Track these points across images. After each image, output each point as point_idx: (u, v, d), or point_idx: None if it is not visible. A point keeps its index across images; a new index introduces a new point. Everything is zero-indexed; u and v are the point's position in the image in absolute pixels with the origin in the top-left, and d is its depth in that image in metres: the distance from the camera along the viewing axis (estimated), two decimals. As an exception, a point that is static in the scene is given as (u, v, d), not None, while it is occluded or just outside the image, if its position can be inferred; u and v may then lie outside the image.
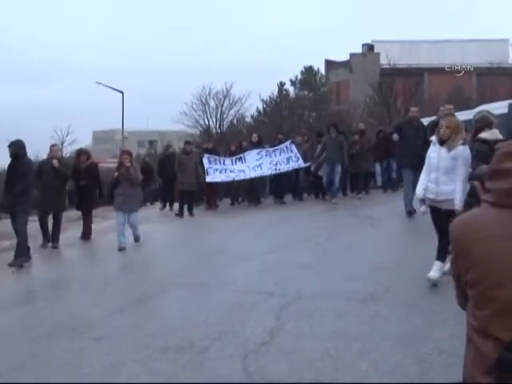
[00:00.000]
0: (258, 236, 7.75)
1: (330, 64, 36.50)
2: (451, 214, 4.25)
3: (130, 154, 7.99)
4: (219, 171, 11.09)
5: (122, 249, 7.38)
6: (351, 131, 12.19)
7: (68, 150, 36.90)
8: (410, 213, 7.57)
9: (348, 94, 32.60)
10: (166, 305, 4.84)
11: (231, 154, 11.79)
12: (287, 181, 11.54)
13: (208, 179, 10.95)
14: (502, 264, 1.23)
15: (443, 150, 4.56)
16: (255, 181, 11.41)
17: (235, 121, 33.78)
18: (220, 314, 4.37)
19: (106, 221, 10.68)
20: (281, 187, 11.49)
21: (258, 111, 33.15)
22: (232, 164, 11.27)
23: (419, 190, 4.73)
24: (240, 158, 11.32)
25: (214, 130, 33.08)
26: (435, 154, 4.63)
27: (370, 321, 4.00)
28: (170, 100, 71.44)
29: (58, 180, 8.00)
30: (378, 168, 12.02)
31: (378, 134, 12.17)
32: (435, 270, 4.59)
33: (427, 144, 7.10)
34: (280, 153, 11.31)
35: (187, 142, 11.62)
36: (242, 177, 11.13)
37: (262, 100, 32.65)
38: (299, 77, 33.26)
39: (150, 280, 5.71)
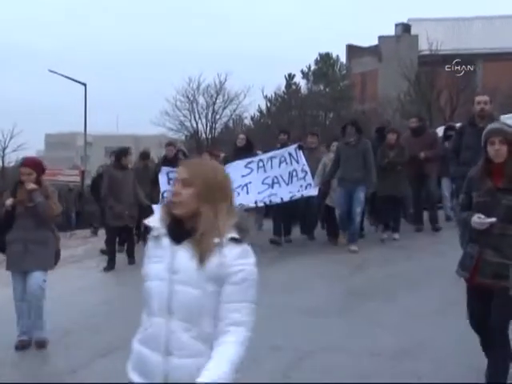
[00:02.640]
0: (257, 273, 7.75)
1: (352, 50, 36.94)
2: None
3: (37, 166, 5.61)
4: None
5: (20, 346, 5.39)
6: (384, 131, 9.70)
7: (12, 159, 36.94)
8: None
9: (376, 89, 32.87)
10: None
11: None
12: (295, 206, 9.22)
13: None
14: None
15: (183, 257, 2.21)
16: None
17: (231, 123, 34.07)
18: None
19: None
20: (285, 216, 9.42)
21: (260, 111, 33.52)
22: None
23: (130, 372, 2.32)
24: None
25: (204, 135, 33.35)
26: (161, 265, 2.25)
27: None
28: (146, 96, 72.29)
29: None
30: (445, 188, 9.79)
31: (446, 132, 9.87)
32: None
33: None
34: (279, 163, 9.25)
35: (122, 152, 9.41)
36: None
37: (266, 97, 33.13)
38: (313, 67, 33.67)
39: (123, 328, 5.71)
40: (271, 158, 9.36)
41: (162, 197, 9.20)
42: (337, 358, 4.47)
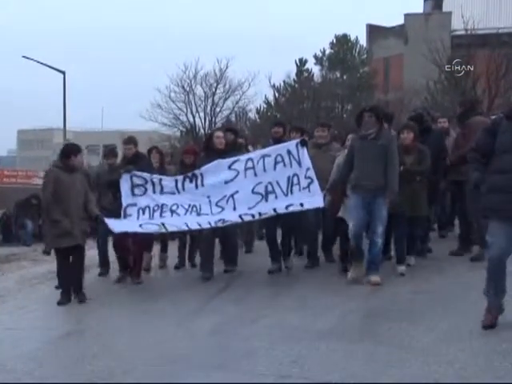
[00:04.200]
0: (262, 290, 7.77)
1: (374, 31, 36.94)
2: None
3: None
4: (150, 211, 8.21)
5: None
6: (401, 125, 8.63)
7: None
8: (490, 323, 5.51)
9: (401, 77, 32.86)
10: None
11: (185, 170, 8.75)
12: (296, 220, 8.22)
13: (116, 228, 8.05)
14: None
15: None
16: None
17: (233, 117, 34.10)
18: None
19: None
20: (284, 231, 8.60)
21: (267, 102, 33.51)
22: (177, 190, 8.29)
23: None
24: (192, 178, 8.28)
25: (203, 131, 33.37)
26: None
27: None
28: (135, 86, 72.26)
29: None
30: None
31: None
32: None
33: None
34: (275, 164, 8.07)
35: (71, 149, 8.19)
36: (192, 226, 8.09)
37: (273, 86, 33.14)
38: (328, 51, 33.71)
39: (98, 364, 5.73)
40: (263, 157, 8.09)
41: (125, 214, 8.15)
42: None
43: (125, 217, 8.16)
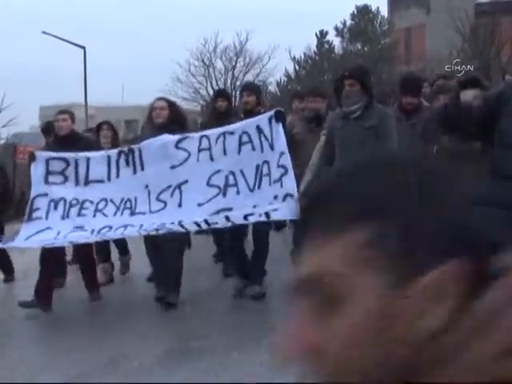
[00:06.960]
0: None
1: (395, 1, 36.39)
2: None
3: None
4: (65, 206, 6.22)
5: None
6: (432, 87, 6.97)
7: (3, 135, 37.46)
8: None
9: (423, 47, 32.40)
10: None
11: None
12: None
13: (12, 242, 6.41)
14: None
15: None
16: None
17: (253, 89, 33.89)
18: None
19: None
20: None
21: (288, 75, 33.30)
22: (108, 177, 6.25)
23: None
24: (129, 155, 6.20)
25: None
26: None
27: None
28: (155, 61, 72.19)
29: None
30: None
31: None
32: None
33: None
34: (239, 145, 5.85)
35: None
36: (114, 235, 6.25)
37: (294, 58, 32.92)
38: (348, 22, 33.33)
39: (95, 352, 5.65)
40: (224, 135, 5.90)
41: (31, 208, 6.28)
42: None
43: (30, 214, 6.28)
